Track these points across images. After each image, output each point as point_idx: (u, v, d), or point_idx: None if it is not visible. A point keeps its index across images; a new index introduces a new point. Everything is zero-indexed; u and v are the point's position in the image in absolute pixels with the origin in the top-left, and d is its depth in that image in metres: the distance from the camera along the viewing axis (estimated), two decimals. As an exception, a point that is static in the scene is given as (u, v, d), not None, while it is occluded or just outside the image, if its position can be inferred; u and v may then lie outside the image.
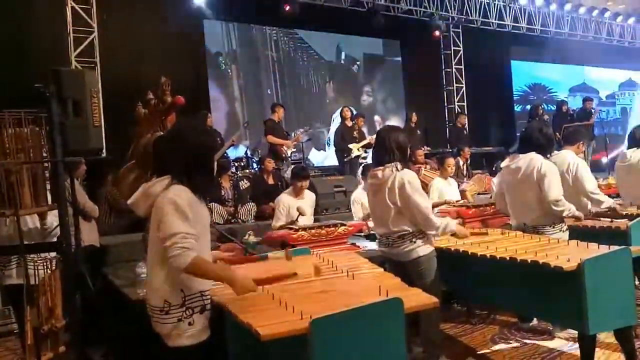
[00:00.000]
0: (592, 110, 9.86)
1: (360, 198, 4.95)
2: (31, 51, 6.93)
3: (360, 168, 5.97)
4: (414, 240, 2.94)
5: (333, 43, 10.52)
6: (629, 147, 4.42)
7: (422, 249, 2.95)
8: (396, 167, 2.93)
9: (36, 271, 2.55)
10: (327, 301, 2.00)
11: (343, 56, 10.71)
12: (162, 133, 4.32)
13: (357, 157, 7.46)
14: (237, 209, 5.71)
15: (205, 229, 2.10)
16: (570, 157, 3.97)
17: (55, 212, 3.01)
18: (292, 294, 2.11)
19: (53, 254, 2.93)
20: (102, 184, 5.37)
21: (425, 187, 5.00)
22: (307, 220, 4.59)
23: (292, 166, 6.79)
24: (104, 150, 6.32)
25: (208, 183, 2.16)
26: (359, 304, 1.85)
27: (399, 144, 2.99)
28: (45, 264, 2.60)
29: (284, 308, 1.91)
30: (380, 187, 2.98)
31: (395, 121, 10.47)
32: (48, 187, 3.01)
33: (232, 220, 5.56)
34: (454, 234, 3.10)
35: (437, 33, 10.48)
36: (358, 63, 10.91)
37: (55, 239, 3.19)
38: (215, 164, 2.21)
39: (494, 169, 8.21)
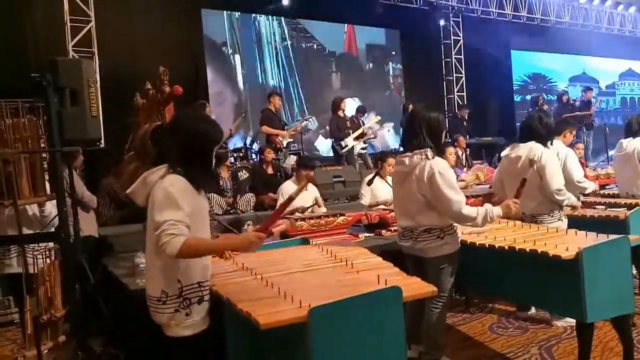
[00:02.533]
0: (593, 100, 9.84)
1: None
2: (28, 41, 6.89)
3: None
4: (442, 236, 2.68)
5: (336, 33, 10.47)
6: (625, 137, 4.45)
7: (449, 247, 2.72)
8: (426, 155, 2.63)
9: (35, 260, 2.55)
10: (326, 290, 2.00)
11: (346, 46, 10.67)
12: (160, 123, 4.30)
13: (353, 148, 7.40)
14: (236, 199, 5.70)
15: (203, 219, 2.09)
16: (558, 148, 3.98)
17: (55, 201, 3.01)
18: (291, 283, 2.11)
19: (52, 244, 2.93)
20: (102, 175, 5.36)
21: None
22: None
23: (290, 157, 6.78)
24: (102, 140, 6.33)
25: (205, 173, 2.10)
26: (357, 292, 1.85)
27: (431, 127, 2.68)
28: (44, 253, 2.60)
29: (283, 297, 1.91)
30: (407, 175, 2.70)
31: (394, 111, 10.45)
32: (46, 177, 3.01)
33: (231, 211, 5.55)
34: (502, 217, 2.81)
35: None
36: (362, 53, 10.87)
37: (54, 229, 3.20)
38: (213, 153, 2.17)
39: (493, 160, 8.21)
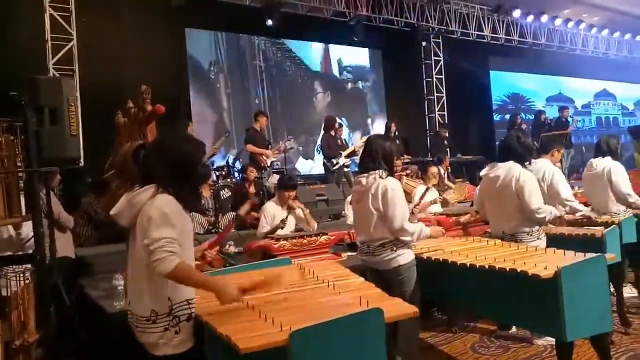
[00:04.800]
0: (570, 119, 10.08)
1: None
2: (8, 58, 6.80)
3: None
4: (394, 248, 2.94)
5: (320, 53, 10.59)
6: (595, 157, 4.54)
7: (403, 258, 2.95)
8: (380, 175, 2.95)
9: (8, 283, 2.48)
10: (307, 312, 1.98)
11: (331, 66, 10.79)
12: (142, 142, 4.26)
13: (343, 165, 7.50)
14: (217, 218, 5.66)
15: (188, 238, 2.09)
16: (545, 166, 4.06)
17: (30, 223, 2.95)
18: (272, 305, 2.09)
19: (28, 266, 2.86)
20: (80, 194, 5.27)
21: (408, 195, 5.03)
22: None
23: (274, 175, 6.77)
24: (82, 160, 6.24)
25: (192, 193, 2.15)
26: (339, 314, 1.84)
27: (385, 152, 3.02)
28: (18, 276, 2.53)
29: (264, 320, 1.89)
30: (363, 193, 3.00)
31: (377, 130, 10.56)
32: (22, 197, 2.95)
33: (213, 230, 5.50)
34: (430, 237, 3.12)
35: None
36: (345, 73, 11.00)
37: (31, 251, 3.12)
38: (197, 173, 2.19)
39: (474, 177, 8.32)
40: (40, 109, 3.01)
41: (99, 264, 4.17)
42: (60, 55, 6.97)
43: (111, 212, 2.09)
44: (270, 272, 2.47)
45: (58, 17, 6.98)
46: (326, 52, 10.71)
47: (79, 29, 7.15)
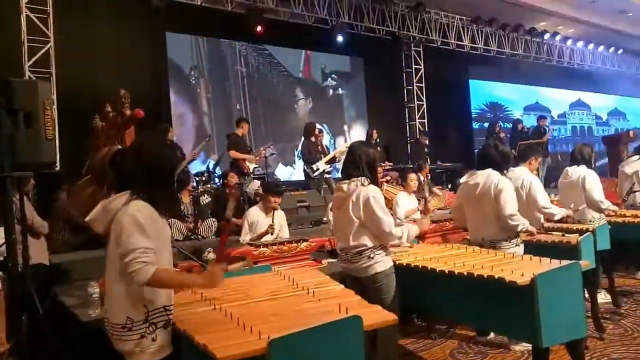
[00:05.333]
0: (546, 129, 10.31)
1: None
2: (-18, 60, 6.65)
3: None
4: (372, 255, 2.91)
5: (302, 59, 10.62)
6: (570, 165, 4.65)
7: (380, 265, 2.92)
8: (362, 182, 2.93)
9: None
10: (286, 320, 1.97)
11: (312, 72, 10.82)
12: (120, 147, 4.20)
13: (323, 172, 7.49)
14: (197, 224, 5.60)
15: (166, 245, 2.07)
16: (524, 174, 4.14)
17: (2, 229, 2.87)
18: (251, 313, 2.08)
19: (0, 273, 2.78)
20: (56, 199, 5.16)
21: (389, 202, 5.06)
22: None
23: (255, 181, 6.73)
24: (58, 164, 6.11)
25: (169, 198, 2.14)
26: (318, 322, 1.83)
27: (369, 159, 2.99)
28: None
29: (242, 328, 1.87)
30: (344, 200, 2.97)
31: (358, 137, 10.61)
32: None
33: (192, 237, 5.44)
34: (418, 235, 3.14)
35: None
36: (328, 79, 11.05)
37: (2, 258, 3.03)
38: (175, 178, 2.18)
39: (454, 185, 8.42)
40: (15, 113, 2.95)
41: (74, 271, 4.08)
42: (36, 57, 6.83)
43: (86, 219, 2.06)
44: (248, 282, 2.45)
45: (35, 19, 6.83)
46: (308, 59, 10.73)
47: (57, 31, 7.01)
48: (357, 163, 2.98)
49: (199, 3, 8.38)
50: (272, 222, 4.51)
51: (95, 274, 3.09)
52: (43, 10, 6.93)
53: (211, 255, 4.11)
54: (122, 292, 1.95)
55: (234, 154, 6.78)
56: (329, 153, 7.70)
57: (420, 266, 3.10)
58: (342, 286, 2.56)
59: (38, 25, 6.86)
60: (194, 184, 6.72)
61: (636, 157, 5.28)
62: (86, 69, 7.23)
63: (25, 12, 6.77)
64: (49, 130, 3.17)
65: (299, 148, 7.98)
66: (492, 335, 3.80)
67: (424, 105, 11.76)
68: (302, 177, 8.03)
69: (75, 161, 5.94)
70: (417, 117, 11.67)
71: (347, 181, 2.98)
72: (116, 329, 1.96)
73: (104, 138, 5.09)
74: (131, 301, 1.95)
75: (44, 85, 3.35)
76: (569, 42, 13.71)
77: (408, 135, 11.68)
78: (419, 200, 5.51)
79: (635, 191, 5.05)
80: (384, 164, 8.26)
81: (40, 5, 6.92)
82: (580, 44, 13.92)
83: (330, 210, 5.06)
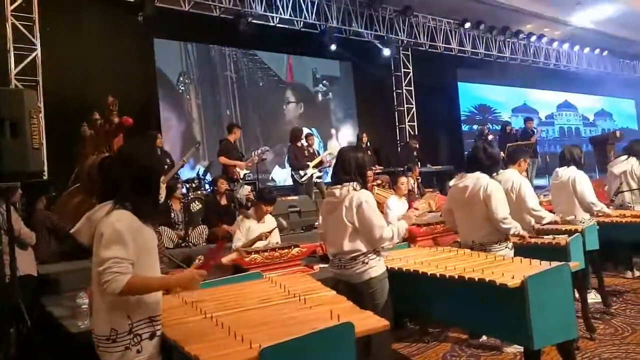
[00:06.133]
0: (534, 130, 10.40)
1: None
2: (-33, 68, 6.58)
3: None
4: (366, 261, 2.91)
5: (292, 64, 10.63)
6: (560, 166, 4.70)
7: (375, 270, 2.93)
8: (353, 187, 2.92)
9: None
10: (278, 328, 1.96)
11: (302, 77, 10.83)
12: (108, 154, 4.17)
13: (312, 176, 7.47)
14: (187, 232, 5.56)
15: (151, 253, 2.04)
16: (513, 176, 4.16)
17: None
18: (242, 321, 2.06)
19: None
20: (34, 209, 5.07)
21: (380, 206, 5.06)
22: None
23: (245, 187, 6.70)
24: (46, 173, 6.05)
25: (153, 207, 2.10)
26: (309, 330, 1.83)
27: (358, 164, 2.99)
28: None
29: (233, 337, 1.86)
30: (337, 205, 2.95)
31: (348, 141, 10.65)
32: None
33: (183, 244, 5.40)
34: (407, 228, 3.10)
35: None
36: (318, 84, 11.07)
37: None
38: (164, 186, 2.18)
39: (444, 187, 8.47)
40: (1, 122, 2.92)
41: (63, 281, 4.02)
42: (23, 65, 6.77)
43: (72, 230, 2.04)
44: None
45: (21, 27, 6.78)
46: (290, 65, 10.74)
47: (43, 39, 6.96)
48: (346, 168, 2.97)
49: (187, 9, 8.36)
50: (272, 229, 4.50)
51: (84, 284, 3.05)
52: (29, 18, 6.88)
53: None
54: (106, 303, 1.93)
55: (223, 160, 6.75)
56: (316, 157, 7.68)
57: (412, 270, 3.10)
58: (334, 292, 2.55)
59: (24, 33, 6.80)
60: (184, 190, 6.68)
61: (624, 157, 5.33)
62: (73, 76, 7.18)
63: (11, 20, 6.72)
64: (35, 139, 3.14)
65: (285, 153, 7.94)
66: (484, 337, 3.81)
67: (414, 109, 11.82)
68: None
69: (63, 170, 5.89)
70: (406, 120, 11.73)
71: (339, 186, 2.97)
72: (101, 341, 1.93)
73: (92, 146, 5.06)
74: (115, 312, 1.92)
75: (31, 94, 3.32)
76: (555, 44, 13.87)
77: (398, 138, 11.73)
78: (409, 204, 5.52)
79: (624, 191, 5.10)
80: (374, 168, 8.28)
81: (26, 13, 6.87)
82: (566, 45, 14.08)
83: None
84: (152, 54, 8.65)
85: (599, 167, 8.89)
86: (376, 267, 2.94)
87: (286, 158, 7.99)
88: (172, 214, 5.64)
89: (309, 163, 7.45)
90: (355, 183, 2.94)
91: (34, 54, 6.86)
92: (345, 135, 11.24)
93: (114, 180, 2.03)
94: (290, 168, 7.72)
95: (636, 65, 16.24)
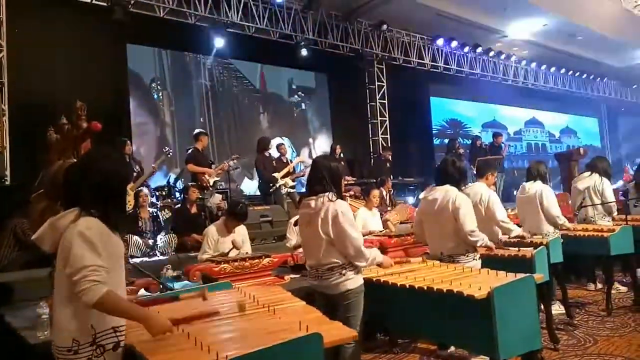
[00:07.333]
0: (502, 145, 10.69)
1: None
2: None
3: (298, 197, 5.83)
4: (343, 272, 2.86)
5: (266, 74, 10.62)
6: (527, 181, 4.84)
7: (352, 282, 2.87)
8: (329, 197, 2.86)
9: None
10: (246, 339, 1.93)
11: (277, 87, 10.83)
12: (74, 160, 4.07)
13: (281, 186, 7.42)
14: (156, 241, 5.45)
15: (118, 262, 2.00)
16: (482, 189, 4.26)
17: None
18: (209, 332, 2.02)
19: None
20: (5, 214, 4.91)
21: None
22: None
23: (216, 195, 6.62)
24: (8, 177, 5.85)
25: (120, 213, 2.06)
26: (278, 340, 1.81)
27: (332, 174, 2.94)
28: None
29: (199, 348, 1.82)
30: (313, 216, 2.90)
31: (322, 152, 10.68)
32: None
33: (150, 253, 5.29)
34: (379, 265, 3.10)
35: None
36: (293, 94, 11.09)
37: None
38: (133, 194, 2.14)
39: (415, 199, 8.58)
40: (-39, 124, 2.81)
41: (22, 290, 3.87)
42: (-13, 66, 6.56)
43: (33, 237, 1.97)
44: (206, 307, 2.38)
45: (-14, 27, 6.58)
46: (272, 73, 10.76)
47: (10, 39, 6.76)
48: (320, 178, 2.92)
49: (161, 15, 8.28)
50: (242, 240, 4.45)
51: (42, 294, 2.95)
52: (-5, 18, 6.68)
53: (170, 272, 4.00)
54: (69, 313, 1.87)
55: (192, 167, 6.66)
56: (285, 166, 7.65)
57: (382, 280, 3.11)
58: (304, 303, 2.53)
59: (-11, 33, 6.60)
60: (154, 199, 6.55)
61: (587, 173, 5.52)
62: (41, 78, 6.98)
63: (-23, 20, 6.51)
64: (-2, 143, 3.04)
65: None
66: (452, 348, 3.85)
67: (387, 121, 11.97)
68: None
69: (28, 174, 5.70)
70: (380, 132, 11.86)
71: (314, 197, 2.90)
72: (62, 352, 1.86)
73: (58, 151, 4.91)
74: (78, 323, 1.86)
75: (-6, 96, 3.22)
76: (523, 62, 14.33)
77: (371, 150, 11.84)
78: (381, 214, 5.58)
79: (586, 205, 5.28)
80: (347, 179, 8.32)
81: (-7, 13, 6.67)
82: (533, 64, 14.56)
83: (294, 226, 5.04)
84: (125, 59, 8.51)
85: (563, 182, 9.17)
86: (353, 279, 2.88)
87: (255, 168, 7.93)
88: (140, 222, 5.52)
89: (275, 174, 7.39)
90: (330, 193, 2.88)
91: (-1, 55, 6.66)
92: (321, 145, 11.29)
93: (76, 185, 1.98)
94: (258, 178, 7.67)
95: (599, 85, 16.91)
